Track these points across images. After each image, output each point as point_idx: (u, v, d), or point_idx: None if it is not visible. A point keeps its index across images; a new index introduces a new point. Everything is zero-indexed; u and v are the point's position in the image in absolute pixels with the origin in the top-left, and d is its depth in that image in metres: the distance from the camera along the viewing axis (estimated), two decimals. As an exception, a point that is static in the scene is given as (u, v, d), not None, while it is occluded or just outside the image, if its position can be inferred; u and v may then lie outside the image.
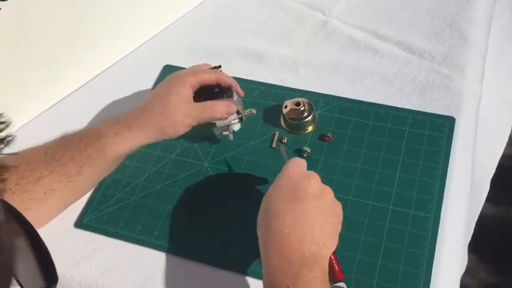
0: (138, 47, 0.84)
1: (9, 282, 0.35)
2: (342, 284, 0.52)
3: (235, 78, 0.76)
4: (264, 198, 0.53)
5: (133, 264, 0.60)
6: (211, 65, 0.68)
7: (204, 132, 0.71)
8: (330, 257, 0.51)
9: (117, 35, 0.81)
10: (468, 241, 0.68)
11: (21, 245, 0.39)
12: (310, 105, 0.69)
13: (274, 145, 0.68)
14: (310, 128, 0.69)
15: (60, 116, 0.76)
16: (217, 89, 0.65)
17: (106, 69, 0.82)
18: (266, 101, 0.73)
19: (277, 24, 0.84)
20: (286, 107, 0.69)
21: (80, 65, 0.79)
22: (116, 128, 0.62)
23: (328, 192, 0.52)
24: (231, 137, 0.68)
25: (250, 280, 0.58)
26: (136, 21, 0.83)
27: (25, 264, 0.41)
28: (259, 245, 0.51)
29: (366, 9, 0.84)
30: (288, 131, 0.69)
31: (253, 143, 0.69)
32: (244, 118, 0.67)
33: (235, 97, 0.66)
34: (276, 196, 0.51)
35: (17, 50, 0.70)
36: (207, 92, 0.65)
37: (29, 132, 0.74)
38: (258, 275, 0.58)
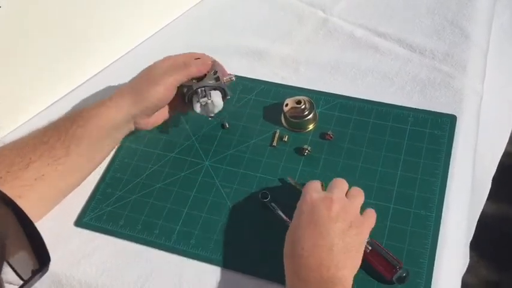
0: (138, 45, 0.84)
1: (0, 267, 0.35)
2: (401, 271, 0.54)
3: (236, 76, 0.76)
4: (290, 227, 0.55)
5: (134, 263, 0.60)
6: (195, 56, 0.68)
7: (204, 129, 0.70)
8: (370, 260, 0.54)
9: (118, 33, 0.81)
10: (470, 239, 0.67)
11: (12, 229, 0.39)
12: (311, 103, 0.68)
13: (274, 143, 0.68)
14: (311, 127, 0.69)
15: (62, 112, 0.76)
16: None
17: (106, 68, 0.81)
18: (267, 99, 0.73)
19: (277, 23, 0.84)
20: (287, 105, 0.69)
21: (79, 63, 0.79)
22: (98, 102, 0.64)
23: (350, 209, 0.53)
24: (212, 111, 0.66)
25: (249, 279, 0.58)
26: (137, 20, 0.83)
27: (16, 248, 0.41)
28: (285, 274, 0.53)
29: (366, 7, 0.84)
30: (288, 130, 0.69)
31: (254, 142, 0.69)
32: (224, 82, 0.66)
33: (220, 76, 0.66)
34: (297, 223, 0.53)
35: (16, 47, 0.70)
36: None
37: (29, 131, 0.74)
38: (257, 273, 0.57)
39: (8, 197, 0.40)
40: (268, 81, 0.75)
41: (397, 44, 0.77)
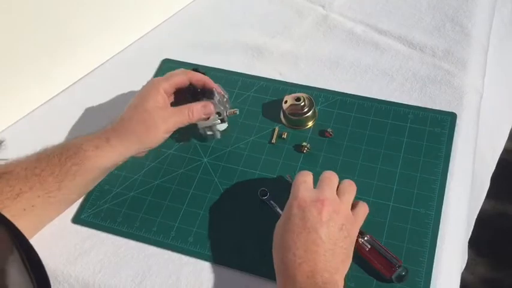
0: (137, 40, 0.83)
1: None
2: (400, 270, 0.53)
3: (234, 72, 0.76)
4: (276, 229, 0.54)
5: (132, 260, 0.60)
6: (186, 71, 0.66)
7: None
8: (369, 258, 0.54)
9: (116, 28, 0.81)
10: (469, 237, 0.67)
11: (12, 255, 0.39)
12: (310, 100, 0.68)
13: (274, 140, 0.67)
14: (310, 124, 0.68)
15: (55, 112, 0.76)
16: (199, 90, 0.65)
17: (104, 63, 0.81)
18: (266, 96, 0.72)
19: (277, 19, 0.84)
20: (286, 102, 0.68)
21: (77, 59, 0.78)
22: (94, 141, 0.61)
23: (342, 210, 0.53)
24: (219, 136, 0.67)
25: (247, 277, 0.57)
26: (135, 15, 0.82)
27: (16, 275, 0.41)
28: (276, 273, 0.52)
29: (366, 3, 0.83)
30: (287, 127, 0.69)
31: (253, 139, 0.68)
32: (226, 119, 0.66)
33: (217, 97, 0.65)
34: (287, 227, 0.52)
35: (11, 44, 0.69)
36: (191, 94, 0.65)
37: (24, 129, 0.73)
38: (255, 271, 0.57)
39: (7, 219, 0.40)
40: (267, 78, 0.75)
41: (397, 41, 0.77)
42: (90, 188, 0.65)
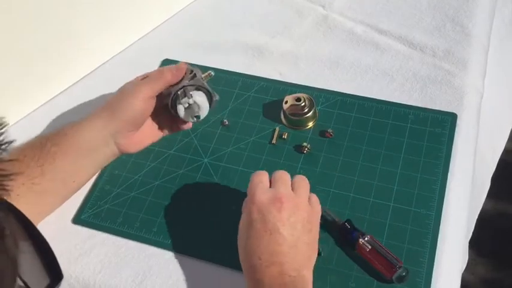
0: (137, 40, 0.83)
1: (14, 283, 0.35)
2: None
3: (234, 72, 0.76)
4: (240, 233, 0.53)
5: (132, 261, 0.60)
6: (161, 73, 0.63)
7: (203, 126, 0.70)
8: (369, 259, 0.54)
9: (116, 28, 0.80)
10: (469, 238, 0.67)
11: (24, 244, 0.39)
12: (310, 100, 0.68)
13: (274, 141, 0.67)
14: (310, 124, 0.68)
15: (56, 112, 0.75)
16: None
17: (104, 63, 0.81)
18: (266, 96, 0.72)
19: (277, 19, 0.84)
20: (286, 102, 0.68)
21: (77, 59, 0.78)
22: (75, 121, 0.61)
23: (301, 204, 0.52)
24: (198, 113, 0.62)
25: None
26: (135, 15, 0.82)
27: (29, 264, 0.41)
28: (245, 277, 0.52)
29: (366, 3, 0.83)
30: (288, 127, 0.69)
31: (253, 139, 0.68)
32: (203, 79, 0.62)
33: (198, 74, 0.62)
34: (250, 233, 0.51)
35: (11, 44, 0.69)
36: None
37: (24, 129, 0.73)
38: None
39: (18, 210, 0.39)
40: (267, 78, 0.75)
41: (398, 41, 0.76)
42: (75, 175, 0.62)
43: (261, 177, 0.54)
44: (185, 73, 0.62)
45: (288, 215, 0.51)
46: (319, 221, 0.54)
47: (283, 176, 0.55)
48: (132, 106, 0.60)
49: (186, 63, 0.64)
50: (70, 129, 0.61)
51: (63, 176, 0.61)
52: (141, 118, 0.62)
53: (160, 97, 0.62)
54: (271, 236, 0.50)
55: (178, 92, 0.61)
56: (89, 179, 0.65)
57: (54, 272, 0.47)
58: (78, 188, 0.65)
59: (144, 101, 0.60)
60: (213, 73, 0.64)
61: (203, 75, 0.63)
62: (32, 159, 0.58)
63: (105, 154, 0.63)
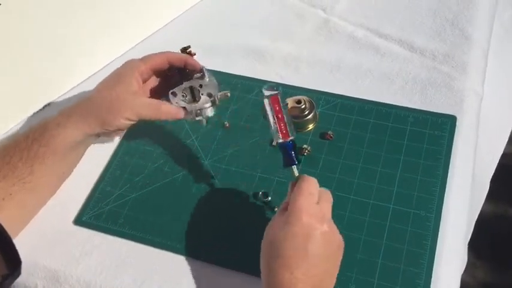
0: (139, 43, 0.84)
1: None
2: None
3: (236, 75, 0.76)
4: (269, 236, 0.51)
5: (133, 262, 0.60)
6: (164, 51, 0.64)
7: (203, 128, 0.70)
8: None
9: (118, 31, 0.81)
10: (468, 240, 0.67)
11: None
12: (311, 103, 0.68)
13: (274, 143, 0.68)
14: (311, 126, 0.69)
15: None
16: (188, 70, 0.63)
17: (106, 66, 0.81)
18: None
19: (278, 22, 0.84)
20: (287, 104, 0.68)
21: (79, 61, 0.78)
22: (57, 119, 0.61)
23: (335, 232, 0.51)
24: (204, 123, 0.64)
25: (251, 278, 0.57)
26: (137, 18, 0.83)
27: None
28: (262, 278, 0.51)
29: (367, 7, 0.84)
30: (288, 129, 0.69)
31: (254, 141, 0.69)
32: (218, 102, 0.63)
33: (207, 78, 0.62)
34: (287, 242, 0.49)
35: (11, 45, 0.70)
36: (180, 75, 0.63)
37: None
38: (258, 273, 0.57)
39: None
40: (268, 81, 0.75)
41: (398, 44, 0.77)
42: (66, 169, 0.64)
43: (312, 189, 0.52)
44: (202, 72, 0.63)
45: (328, 239, 0.49)
46: (342, 250, 0.52)
47: (330, 196, 0.53)
48: (118, 124, 0.61)
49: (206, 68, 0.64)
50: (56, 129, 0.60)
51: (54, 170, 0.62)
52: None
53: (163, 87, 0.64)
54: (313, 258, 0.48)
55: (194, 112, 0.63)
56: (75, 166, 0.66)
57: (12, 261, 0.46)
58: (67, 176, 0.66)
59: (128, 122, 0.61)
60: (229, 94, 0.64)
61: (219, 95, 0.63)
62: (20, 161, 0.59)
63: (90, 143, 0.66)
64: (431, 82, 0.71)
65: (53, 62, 0.75)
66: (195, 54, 0.66)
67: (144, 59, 0.63)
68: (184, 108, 0.63)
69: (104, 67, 0.80)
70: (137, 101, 0.61)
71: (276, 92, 0.54)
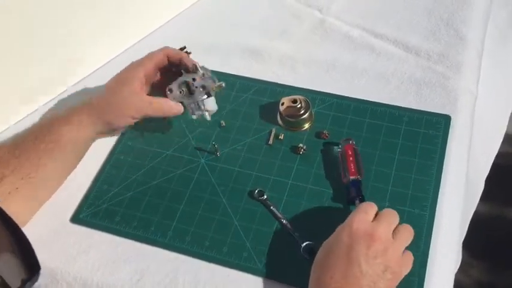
0: (137, 42, 0.84)
1: None
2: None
3: (232, 74, 0.76)
4: (322, 247, 0.53)
5: (130, 260, 0.60)
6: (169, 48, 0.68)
7: (200, 127, 0.71)
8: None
9: (116, 31, 0.81)
10: (462, 239, 0.68)
11: (1, 239, 0.39)
12: (307, 102, 0.69)
13: (270, 142, 0.68)
14: (306, 125, 0.69)
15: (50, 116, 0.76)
16: (182, 68, 0.67)
17: (104, 65, 0.81)
18: (263, 98, 0.73)
19: (275, 22, 0.85)
20: (283, 104, 0.69)
21: (78, 60, 0.79)
22: (66, 117, 0.64)
23: (392, 251, 0.51)
24: (208, 117, 0.67)
25: (246, 275, 0.58)
26: (134, 17, 0.83)
27: (6, 258, 0.41)
28: (309, 284, 0.52)
29: (363, 7, 0.84)
30: (284, 128, 0.69)
31: (250, 140, 0.69)
32: (212, 93, 0.66)
33: (200, 71, 0.66)
34: (333, 249, 0.51)
35: (11, 45, 0.70)
36: (175, 70, 0.67)
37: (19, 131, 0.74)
38: (253, 271, 0.58)
39: (7, 215, 0.40)
40: (264, 80, 0.76)
41: (393, 44, 0.78)
42: (73, 163, 0.67)
43: (368, 208, 0.54)
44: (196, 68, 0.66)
45: (373, 256, 0.50)
46: (405, 273, 0.52)
47: (391, 216, 0.54)
48: (121, 122, 0.66)
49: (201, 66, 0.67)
50: (64, 127, 0.63)
51: (62, 166, 0.65)
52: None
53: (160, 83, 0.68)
54: (351, 265, 0.49)
55: (192, 105, 0.66)
56: (81, 159, 0.69)
57: (31, 266, 0.47)
58: (73, 169, 0.68)
59: (132, 119, 0.66)
60: (223, 84, 0.66)
61: (214, 87, 0.66)
62: (29, 157, 0.60)
63: (100, 137, 0.69)
64: (426, 82, 0.72)
65: (54, 59, 0.75)
66: (190, 53, 0.69)
67: (145, 61, 0.66)
68: (182, 102, 0.66)
69: (103, 65, 0.81)
70: (139, 100, 0.65)
71: (350, 142, 0.65)
